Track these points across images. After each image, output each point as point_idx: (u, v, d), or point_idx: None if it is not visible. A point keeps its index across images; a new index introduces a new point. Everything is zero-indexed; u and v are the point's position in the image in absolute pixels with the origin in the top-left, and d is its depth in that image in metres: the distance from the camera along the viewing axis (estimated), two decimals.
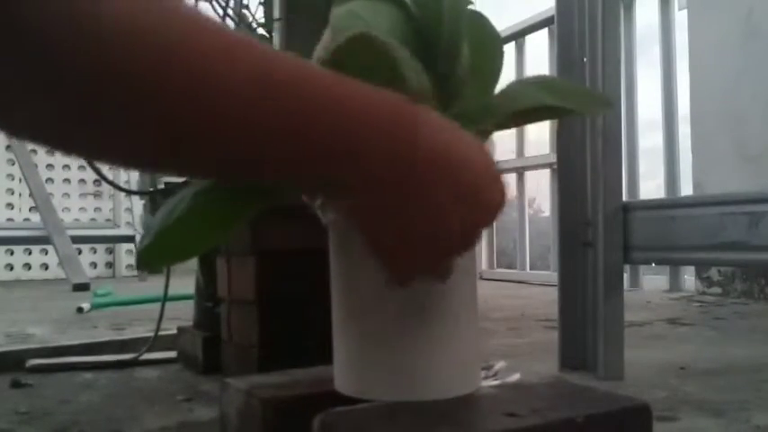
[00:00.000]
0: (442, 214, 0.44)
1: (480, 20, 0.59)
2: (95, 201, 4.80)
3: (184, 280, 1.55)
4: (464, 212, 0.45)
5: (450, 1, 0.55)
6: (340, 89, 0.41)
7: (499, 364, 0.67)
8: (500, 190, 0.47)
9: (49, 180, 4.58)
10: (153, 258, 0.53)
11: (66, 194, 4.72)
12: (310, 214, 0.58)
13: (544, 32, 3.42)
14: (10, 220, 4.48)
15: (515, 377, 0.65)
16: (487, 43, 0.59)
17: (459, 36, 0.55)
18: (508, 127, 0.64)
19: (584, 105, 0.62)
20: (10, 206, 4.53)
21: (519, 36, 3.61)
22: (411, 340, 0.54)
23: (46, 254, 4.48)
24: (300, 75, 0.39)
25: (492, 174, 0.47)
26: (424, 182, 0.43)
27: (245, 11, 1.38)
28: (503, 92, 0.57)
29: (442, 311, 0.55)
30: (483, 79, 0.57)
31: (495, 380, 0.64)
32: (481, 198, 0.46)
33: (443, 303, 0.55)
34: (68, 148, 0.37)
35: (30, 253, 4.53)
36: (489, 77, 0.58)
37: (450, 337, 0.56)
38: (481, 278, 3.83)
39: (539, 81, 0.59)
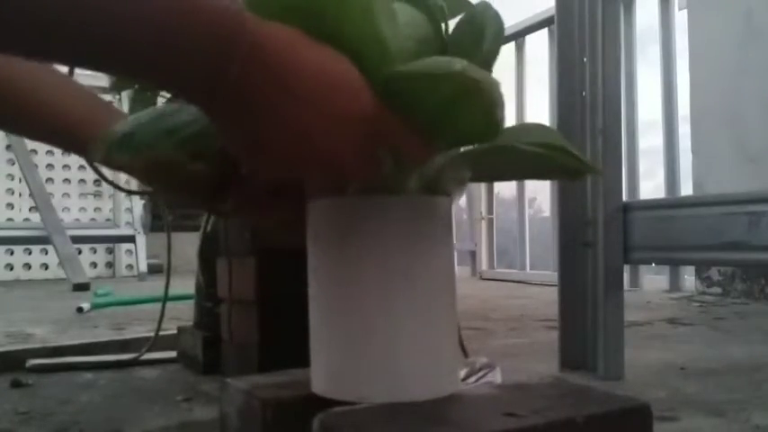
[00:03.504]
0: (281, 119, 0.44)
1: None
2: (95, 201, 4.79)
3: (184, 280, 1.55)
4: (307, 118, 0.44)
5: (492, 17, 0.56)
6: None
7: (481, 361, 0.67)
8: (350, 98, 0.46)
9: (49, 180, 4.58)
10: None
11: (67, 194, 4.72)
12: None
13: (544, 32, 3.42)
14: (10, 220, 4.48)
15: (497, 375, 0.65)
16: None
17: (493, 63, 0.57)
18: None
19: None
20: (10, 206, 4.53)
21: (519, 36, 3.61)
22: (385, 340, 0.54)
23: (46, 254, 4.48)
24: None
25: (337, 80, 0.45)
26: (253, 82, 0.42)
27: None
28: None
29: (419, 311, 0.55)
30: None
31: (479, 378, 0.64)
32: (324, 104, 0.45)
33: (420, 303, 0.55)
34: None
35: (30, 253, 4.53)
36: None
37: (426, 338, 0.56)
38: (481, 278, 3.83)
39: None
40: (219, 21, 0.41)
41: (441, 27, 0.57)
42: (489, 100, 0.48)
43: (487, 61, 0.56)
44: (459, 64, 0.46)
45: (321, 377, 0.58)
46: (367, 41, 0.48)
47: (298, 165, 0.48)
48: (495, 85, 0.48)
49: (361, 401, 0.54)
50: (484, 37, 0.56)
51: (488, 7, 0.58)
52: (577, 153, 0.56)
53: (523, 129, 0.61)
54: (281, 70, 0.43)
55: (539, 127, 0.61)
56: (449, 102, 0.48)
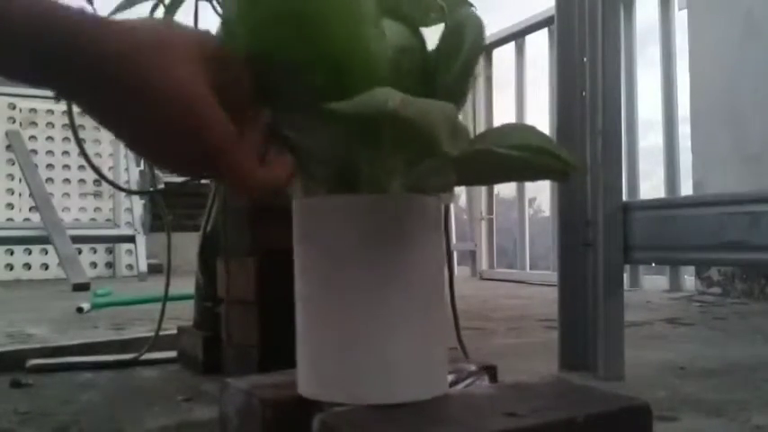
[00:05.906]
0: (121, 121, 0.46)
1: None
2: (95, 201, 4.79)
3: (184, 280, 1.55)
4: (143, 127, 0.46)
5: (473, 35, 0.56)
6: None
7: (469, 367, 0.67)
8: (183, 113, 0.45)
9: (49, 180, 4.58)
10: None
11: (67, 194, 4.72)
12: None
13: (544, 32, 3.42)
14: (10, 220, 4.48)
15: (485, 383, 0.65)
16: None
17: (471, 71, 0.57)
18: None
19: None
20: (10, 206, 4.52)
21: (519, 36, 3.61)
22: (374, 340, 0.54)
23: (46, 254, 4.48)
24: None
25: (174, 94, 0.45)
26: (96, 85, 0.44)
27: None
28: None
29: (408, 311, 0.55)
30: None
31: (467, 385, 0.64)
32: (158, 118, 0.45)
33: (410, 303, 0.55)
34: None
35: (30, 253, 4.53)
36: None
37: (416, 337, 0.56)
38: (481, 278, 3.83)
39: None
40: (66, 29, 0.42)
41: (422, 36, 0.57)
42: (429, 134, 0.46)
43: (466, 69, 0.57)
44: (392, 102, 0.43)
45: (309, 379, 0.58)
46: (354, 58, 0.48)
47: (148, 158, 0.51)
48: (438, 117, 0.46)
49: (350, 403, 0.54)
50: (463, 45, 0.56)
51: (470, 15, 0.58)
52: (559, 153, 0.56)
53: (506, 131, 0.61)
54: (121, 82, 0.44)
55: (521, 128, 0.61)
56: (398, 135, 0.48)
